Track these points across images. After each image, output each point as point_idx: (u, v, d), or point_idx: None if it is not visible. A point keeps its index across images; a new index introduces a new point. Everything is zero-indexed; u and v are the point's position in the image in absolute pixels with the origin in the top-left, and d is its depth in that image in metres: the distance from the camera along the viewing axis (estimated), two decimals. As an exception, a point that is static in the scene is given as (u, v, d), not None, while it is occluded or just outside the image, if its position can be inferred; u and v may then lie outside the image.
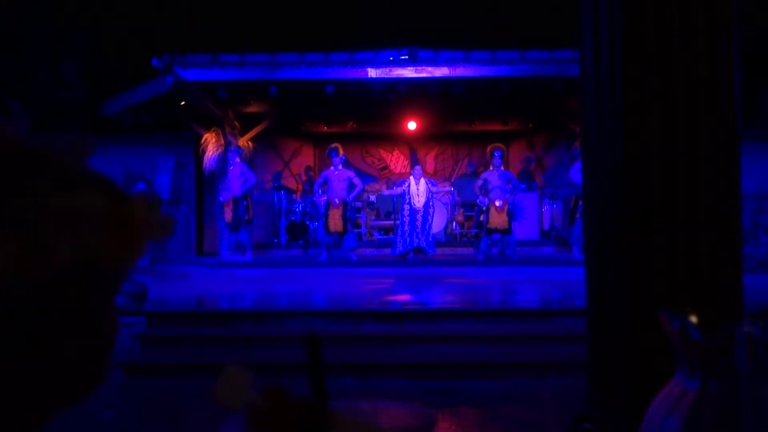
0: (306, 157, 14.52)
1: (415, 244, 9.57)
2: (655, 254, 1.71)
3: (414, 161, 15.18)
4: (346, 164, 10.45)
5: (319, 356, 0.52)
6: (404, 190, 9.88)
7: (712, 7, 1.82)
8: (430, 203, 9.79)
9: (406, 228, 9.62)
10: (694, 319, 1.12)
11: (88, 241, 0.39)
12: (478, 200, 10.12)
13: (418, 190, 9.75)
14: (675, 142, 1.74)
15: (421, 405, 4.18)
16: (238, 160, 10.52)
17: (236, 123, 11.73)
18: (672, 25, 1.81)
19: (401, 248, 9.69)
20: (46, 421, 0.44)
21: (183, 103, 11.06)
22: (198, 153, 11.84)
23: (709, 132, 1.73)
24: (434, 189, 10.26)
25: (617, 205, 1.84)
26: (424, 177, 10.16)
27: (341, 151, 9.90)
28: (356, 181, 9.93)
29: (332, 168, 9.92)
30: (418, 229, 9.56)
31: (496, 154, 9.81)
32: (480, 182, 9.88)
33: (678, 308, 1.20)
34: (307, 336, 0.50)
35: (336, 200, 9.60)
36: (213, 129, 11.60)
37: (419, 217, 9.59)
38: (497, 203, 9.54)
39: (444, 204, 12.61)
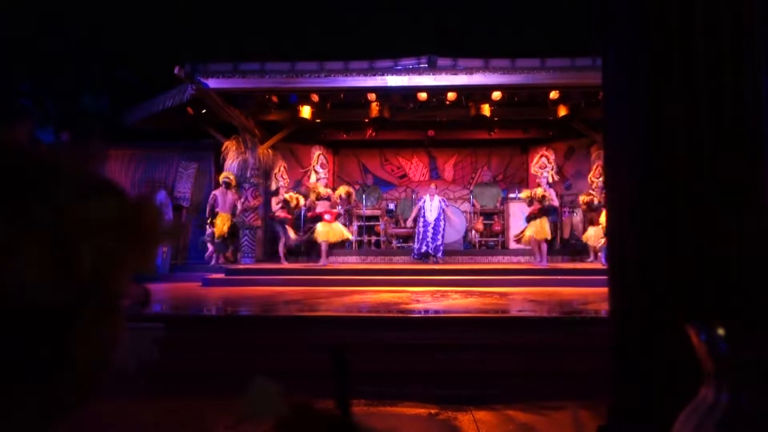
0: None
1: (426, 250, 11.19)
2: (682, 264, 1.68)
3: (433, 169, 15.18)
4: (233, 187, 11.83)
5: (345, 368, 0.52)
6: (421, 206, 11.41)
7: (737, 10, 1.80)
8: (441, 217, 11.27)
9: (420, 237, 11.29)
10: (721, 331, 1.09)
11: (107, 247, 0.40)
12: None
13: (431, 206, 11.28)
14: (700, 148, 1.71)
15: (441, 416, 4.17)
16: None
17: (256, 131, 11.83)
18: (696, 29, 1.79)
19: (416, 253, 11.35)
20: (57, 421, 0.44)
21: (204, 111, 11.18)
22: (219, 160, 11.95)
23: (735, 137, 1.70)
24: (445, 205, 11.63)
25: (640, 214, 1.81)
26: (438, 194, 11.75)
27: (221, 179, 11.60)
28: (235, 198, 11.64)
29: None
30: (429, 239, 11.17)
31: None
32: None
33: (705, 320, 1.18)
34: (332, 347, 0.50)
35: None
36: (233, 137, 11.71)
37: (431, 228, 11.18)
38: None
39: (462, 213, 12.61)
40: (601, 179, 10.98)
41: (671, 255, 1.71)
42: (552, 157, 11.17)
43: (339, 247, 11.73)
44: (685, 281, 1.68)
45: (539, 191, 10.39)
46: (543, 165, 10.78)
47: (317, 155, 10.69)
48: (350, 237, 11.07)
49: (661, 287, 1.72)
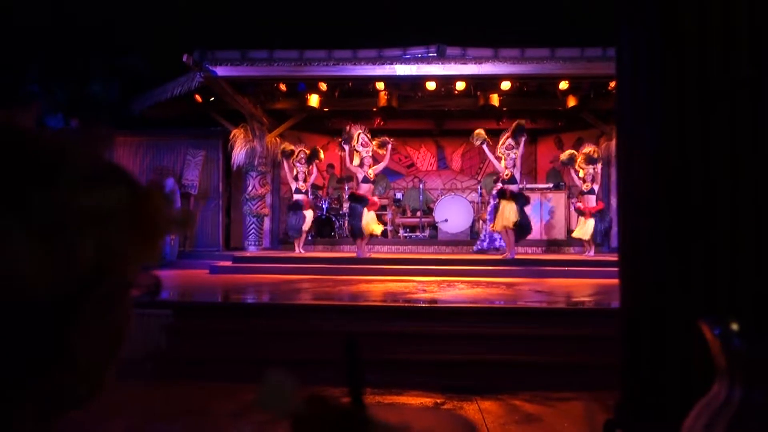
0: (333, 153, 14.56)
1: (494, 245, 11.06)
2: (696, 258, 1.67)
3: (441, 159, 15.14)
4: None
5: (358, 360, 0.51)
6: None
7: (755, 4, 1.77)
8: None
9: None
10: (735, 326, 1.08)
11: (112, 238, 0.38)
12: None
13: None
14: (717, 143, 1.69)
15: (446, 405, 4.17)
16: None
17: (264, 119, 11.82)
18: (712, 23, 1.76)
19: (483, 246, 11.18)
20: (60, 416, 0.43)
21: (212, 98, 11.18)
22: (226, 148, 11.96)
23: (753, 133, 1.68)
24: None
25: (653, 207, 1.80)
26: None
27: None
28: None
29: None
30: None
31: None
32: None
33: (719, 315, 1.16)
34: (346, 339, 0.49)
35: None
36: (242, 125, 11.71)
37: None
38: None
39: (470, 202, 12.56)
40: (589, 167, 10.48)
41: (685, 249, 1.70)
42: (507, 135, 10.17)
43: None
44: (698, 276, 1.67)
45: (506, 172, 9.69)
46: (509, 146, 9.91)
47: (358, 134, 9.91)
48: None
49: (674, 281, 1.71)
